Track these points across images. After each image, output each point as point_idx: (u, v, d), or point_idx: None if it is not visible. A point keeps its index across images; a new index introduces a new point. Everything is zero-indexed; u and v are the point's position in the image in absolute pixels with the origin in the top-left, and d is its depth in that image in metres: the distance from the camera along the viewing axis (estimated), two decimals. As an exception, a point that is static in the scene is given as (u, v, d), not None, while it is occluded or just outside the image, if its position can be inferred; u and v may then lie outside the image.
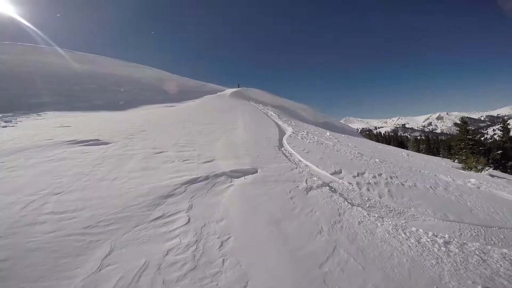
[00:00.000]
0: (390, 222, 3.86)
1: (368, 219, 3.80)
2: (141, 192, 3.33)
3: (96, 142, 5.04)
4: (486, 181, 9.58)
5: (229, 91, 25.19)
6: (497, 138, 27.67)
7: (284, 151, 6.93)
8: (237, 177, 4.36)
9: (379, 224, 3.72)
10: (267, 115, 15.33)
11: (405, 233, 3.60)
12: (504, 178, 12.34)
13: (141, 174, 3.92)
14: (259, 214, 3.32)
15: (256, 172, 4.77)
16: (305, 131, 11.85)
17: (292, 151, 7.05)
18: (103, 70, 17.18)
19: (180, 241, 2.53)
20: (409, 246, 3.27)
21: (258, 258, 2.50)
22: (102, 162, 4.18)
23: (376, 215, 4.03)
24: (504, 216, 5.56)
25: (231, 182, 4.12)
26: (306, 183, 4.59)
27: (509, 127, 26.32)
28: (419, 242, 3.43)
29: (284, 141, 8.35)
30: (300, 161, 6.28)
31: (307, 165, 6.02)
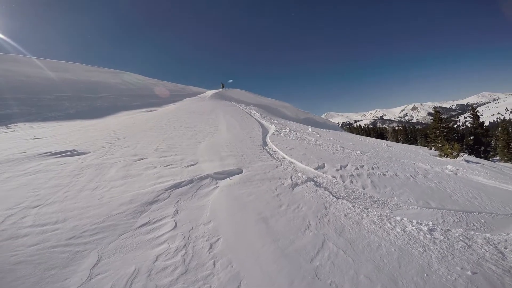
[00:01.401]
0: (375, 213, 3.99)
1: (354, 211, 3.90)
2: (124, 200, 3.25)
3: (73, 153, 4.82)
4: (462, 167, 10.15)
5: (210, 92, 24.91)
6: (469, 125, 29.23)
7: (268, 149, 6.98)
8: (222, 179, 4.35)
9: (364, 215, 3.83)
10: (249, 114, 15.33)
11: (390, 223, 3.73)
12: (478, 163, 13.08)
13: (122, 182, 3.81)
14: (247, 213, 3.34)
15: (242, 172, 4.77)
16: (288, 128, 11.98)
17: (276, 148, 7.11)
18: (76, 77, 16.39)
19: (169, 246, 2.51)
20: (396, 236, 3.39)
21: (250, 257, 2.51)
22: (81, 172, 4.02)
23: (361, 207, 4.14)
24: (482, 200, 5.91)
25: (216, 184, 4.10)
26: (291, 180, 4.65)
27: (478, 114, 27.97)
28: (404, 231, 3.56)
29: (268, 139, 8.40)
30: (284, 158, 6.35)
31: (291, 162, 6.10)
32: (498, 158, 26.53)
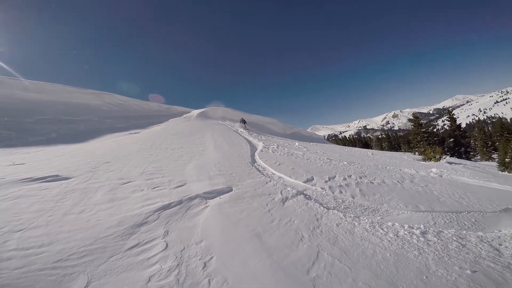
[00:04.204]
0: (367, 220, 4.04)
1: (345, 220, 3.94)
2: (111, 223, 3.16)
3: (56, 178, 4.66)
4: (446, 169, 10.51)
5: (196, 112, 24.94)
6: (447, 128, 30.59)
7: (257, 166, 7.02)
8: (212, 198, 4.30)
9: (356, 223, 3.87)
10: (237, 132, 15.43)
11: (382, 229, 3.78)
12: (460, 164, 13.61)
13: (109, 205, 3.71)
14: (239, 230, 3.31)
15: (231, 190, 4.75)
16: (276, 144, 12.12)
17: (265, 165, 7.16)
18: (56, 98, 15.95)
19: (161, 266, 2.45)
20: (389, 241, 3.43)
21: (246, 273, 2.47)
22: (65, 197, 3.90)
23: (352, 215, 4.19)
24: (469, 200, 6.11)
25: (206, 203, 4.05)
26: (282, 194, 4.67)
27: (454, 117, 29.36)
28: (397, 236, 3.61)
29: (256, 156, 8.45)
30: (273, 174, 6.40)
31: (280, 177, 6.14)
32: (479, 157, 27.67)
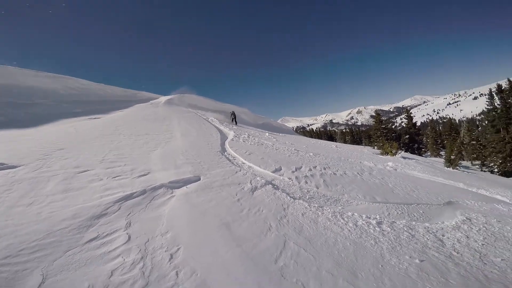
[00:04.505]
0: (329, 210, 4.26)
1: (310, 210, 4.11)
2: (66, 215, 2.92)
3: (1, 167, 4.17)
4: (400, 163, 11.44)
5: (164, 98, 23.78)
6: (404, 125, 33.42)
7: (227, 155, 6.97)
8: (179, 187, 4.18)
9: (320, 213, 4.06)
10: (207, 121, 15.10)
11: (343, 219, 4.02)
12: (413, 159, 14.96)
13: (63, 196, 3.41)
14: (207, 220, 3.27)
15: (199, 179, 4.66)
16: (247, 133, 12.13)
17: (235, 154, 7.14)
18: (7, 81, 14.14)
19: (124, 260, 2.33)
20: (349, 230, 3.66)
21: (215, 264, 2.46)
22: (11, 188, 3.51)
23: (316, 205, 4.38)
24: (419, 193, 6.72)
25: (171, 193, 3.92)
26: (251, 184, 4.71)
27: (411, 115, 32.22)
28: (356, 225, 3.86)
29: (227, 145, 8.39)
30: (243, 163, 6.41)
31: (250, 167, 6.18)
32: (429, 153, 30.71)
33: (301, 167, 6.75)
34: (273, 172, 5.92)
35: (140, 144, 6.83)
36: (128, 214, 3.15)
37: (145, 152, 6.06)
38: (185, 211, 3.43)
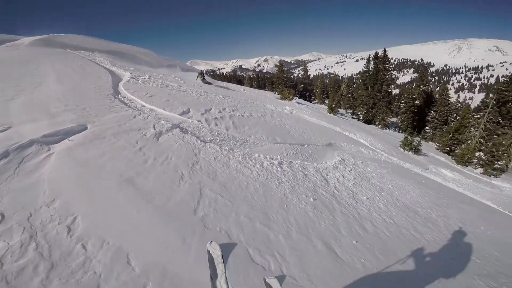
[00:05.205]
0: (239, 152, 4.38)
1: (222, 153, 4.10)
2: None
3: None
4: (295, 108, 12.83)
5: (28, 40, 17.12)
6: (301, 76, 38.12)
7: (122, 98, 5.89)
8: (58, 142, 3.29)
9: (231, 156, 4.12)
10: (94, 62, 12.06)
11: (251, 160, 4.22)
12: (305, 104, 17.22)
13: None
14: (105, 178, 2.75)
15: (86, 129, 3.78)
16: (147, 75, 10.52)
17: (132, 96, 6.12)
18: None
19: (8, 244, 1.77)
20: (257, 172, 3.88)
21: (126, 227, 2.16)
22: None
23: (227, 148, 4.42)
24: (308, 134, 7.74)
25: (48, 150, 3.05)
26: (155, 129, 4.23)
27: (307, 69, 36.56)
28: (262, 167, 4.13)
29: (121, 87, 7.03)
30: (143, 106, 5.61)
31: (152, 110, 5.50)
32: (316, 101, 36.21)
33: (211, 109, 6.56)
34: (181, 114, 5.51)
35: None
36: (-11, 187, 2.28)
37: (1, 102, 4.35)
38: (72, 170, 2.76)
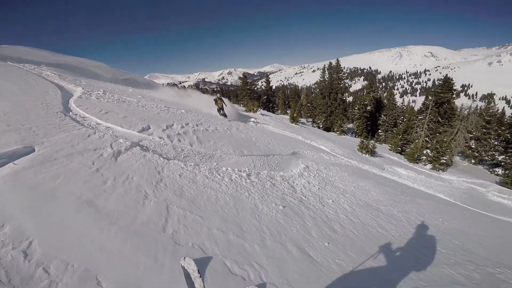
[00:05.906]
0: (206, 167, 4.36)
1: (187, 169, 4.06)
2: None
3: None
4: (260, 119, 13.19)
5: None
6: (263, 88, 39.39)
7: (74, 116, 5.49)
8: (1, 166, 2.94)
9: (197, 171, 4.09)
10: (41, 76, 11.04)
11: (219, 174, 4.24)
12: (269, 115, 17.82)
13: None
14: (60, 200, 2.56)
15: (34, 151, 3.45)
16: (102, 90, 9.95)
17: (86, 114, 5.73)
18: None
19: None
20: (226, 185, 3.90)
21: (91, 248, 2.05)
22: None
23: (193, 164, 4.38)
24: (273, 145, 7.99)
25: (-11, 174, 2.73)
26: (112, 148, 4.03)
27: (269, 80, 38.22)
28: (231, 180, 4.17)
29: (72, 104, 6.55)
30: (98, 124, 5.29)
31: (108, 127, 5.21)
32: (279, 112, 37.59)
33: (173, 124, 6.44)
34: (140, 131, 5.32)
35: None
36: None
37: None
38: (22, 195, 2.51)
